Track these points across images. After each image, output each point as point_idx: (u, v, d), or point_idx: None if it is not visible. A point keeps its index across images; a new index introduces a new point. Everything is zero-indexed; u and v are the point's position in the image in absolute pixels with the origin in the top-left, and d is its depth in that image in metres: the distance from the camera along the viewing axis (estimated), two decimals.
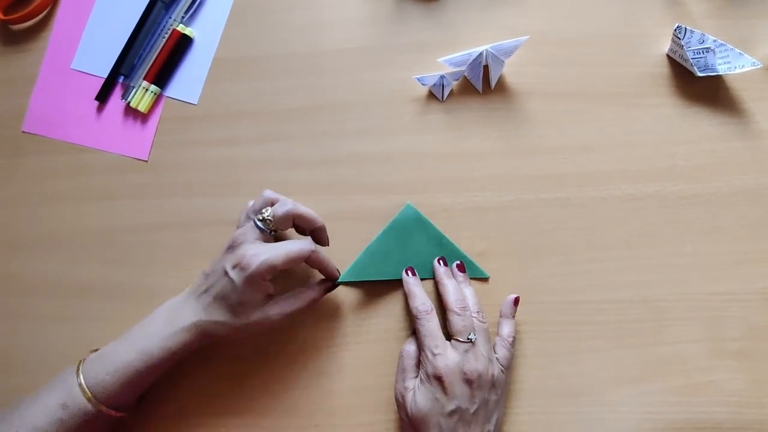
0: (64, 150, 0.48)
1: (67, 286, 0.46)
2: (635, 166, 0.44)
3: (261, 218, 0.39)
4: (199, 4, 0.49)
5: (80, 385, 0.36)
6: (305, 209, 0.39)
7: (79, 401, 0.36)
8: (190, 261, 0.45)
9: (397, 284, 0.43)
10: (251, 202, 0.41)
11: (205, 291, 0.38)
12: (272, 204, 0.40)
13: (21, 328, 0.45)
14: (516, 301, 0.41)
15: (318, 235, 0.41)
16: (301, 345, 0.43)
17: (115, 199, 0.47)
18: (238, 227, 0.40)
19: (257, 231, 0.38)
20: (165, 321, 0.38)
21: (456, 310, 0.38)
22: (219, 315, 0.37)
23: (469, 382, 0.36)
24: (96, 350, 0.39)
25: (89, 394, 0.36)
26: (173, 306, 0.39)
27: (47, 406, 0.36)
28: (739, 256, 0.42)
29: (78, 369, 0.37)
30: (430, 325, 0.38)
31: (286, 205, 0.39)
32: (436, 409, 0.36)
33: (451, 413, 0.35)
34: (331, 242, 0.41)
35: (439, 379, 0.36)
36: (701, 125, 0.44)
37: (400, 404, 0.38)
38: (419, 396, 0.36)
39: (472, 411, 0.36)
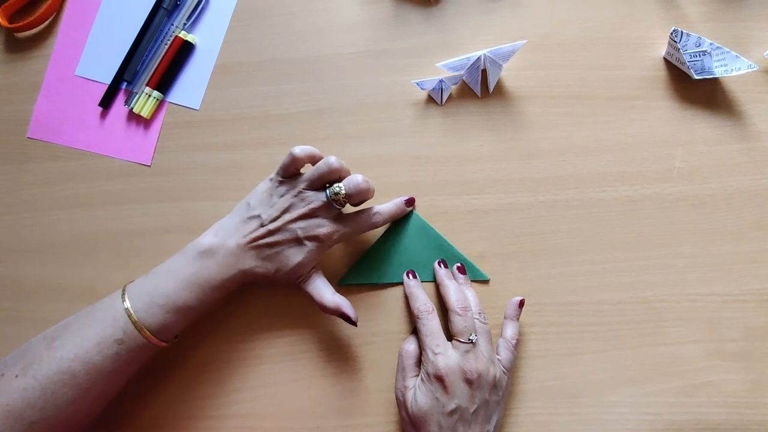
0: (69, 155, 0.49)
1: (73, 290, 0.46)
2: (633, 168, 0.44)
3: (335, 197, 0.39)
4: (201, 10, 0.49)
5: (132, 320, 0.37)
6: (371, 185, 0.40)
7: (134, 335, 0.37)
8: None
9: (398, 287, 0.44)
10: (297, 150, 0.39)
11: (268, 246, 0.39)
12: (340, 177, 0.40)
13: (27, 332, 0.46)
14: (521, 303, 0.42)
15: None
16: (302, 347, 0.43)
17: (119, 204, 0.47)
18: (283, 167, 0.40)
19: (332, 208, 0.40)
20: (210, 256, 0.39)
21: (457, 310, 0.39)
22: (270, 267, 0.39)
23: (469, 382, 0.36)
24: (131, 282, 0.39)
25: (141, 326, 0.37)
26: (227, 246, 0.39)
27: (101, 343, 0.36)
28: (737, 257, 0.43)
29: (123, 295, 0.38)
30: (432, 324, 0.39)
31: (359, 184, 0.39)
32: (436, 408, 0.36)
33: (452, 412, 0.36)
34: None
35: (439, 379, 0.36)
36: (698, 127, 0.45)
37: (401, 403, 0.38)
38: (420, 395, 0.37)
39: (472, 411, 0.36)
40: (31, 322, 0.46)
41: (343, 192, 0.39)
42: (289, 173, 0.40)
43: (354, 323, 0.40)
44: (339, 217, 0.40)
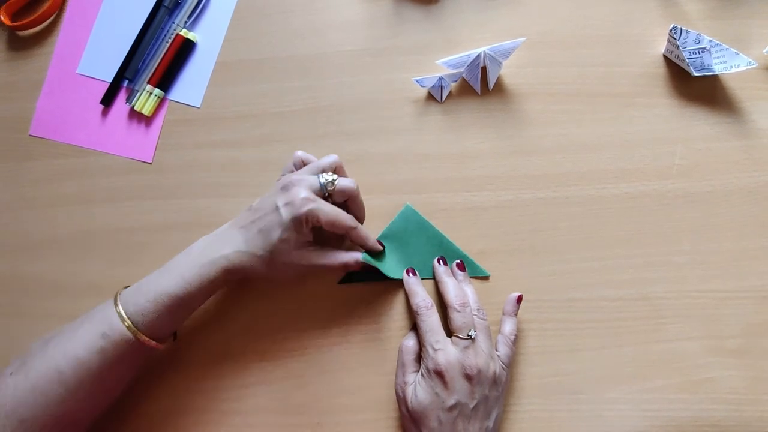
0: (70, 153, 0.49)
1: (75, 287, 0.46)
2: (633, 165, 0.44)
3: (325, 180, 0.39)
4: (202, 9, 0.50)
5: (119, 314, 0.36)
6: (360, 200, 0.41)
7: (119, 329, 0.36)
8: None
9: (398, 284, 0.44)
10: (299, 153, 0.42)
11: (252, 222, 0.38)
12: (335, 171, 0.40)
13: (28, 329, 0.46)
14: (519, 299, 0.42)
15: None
16: (303, 343, 0.44)
17: (121, 201, 0.47)
18: (285, 173, 0.41)
19: (316, 185, 0.39)
20: (204, 249, 0.39)
21: (456, 306, 0.39)
22: (258, 248, 0.38)
23: (468, 377, 0.36)
24: (128, 287, 0.39)
25: (129, 322, 0.36)
26: (214, 236, 0.40)
27: (87, 337, 0.36)
28: (737, 254, 0.43)
29: (116, 299, 0.37)
30: (431, 320, 0.39)
31: (352, 183, 0.40)
32: (436, 404, 0.36)
33: (451, 408, 0.36)
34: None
35: (439, 374, 0.36)
36: (698, 124, 0.45)
37: (401, 398, 0.39)
38: (420, 390, 0.37)
39: (471, 406, 0.36)
40: (33, 318, 0.46)
41: (334, 180, 0.39)
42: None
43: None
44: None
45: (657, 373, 0.41)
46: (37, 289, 0.47)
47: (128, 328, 0.36)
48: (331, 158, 0.41)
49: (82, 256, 0.47)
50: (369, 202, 0.45)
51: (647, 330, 0.42)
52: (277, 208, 0.38)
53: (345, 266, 0.40)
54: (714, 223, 0.43)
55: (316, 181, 0.39)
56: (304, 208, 0.37)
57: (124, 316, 0.36)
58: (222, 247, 0.38)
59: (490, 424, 0.37)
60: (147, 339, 0.37)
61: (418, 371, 0.39)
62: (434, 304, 0.40)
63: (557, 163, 0.45)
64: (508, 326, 0.41)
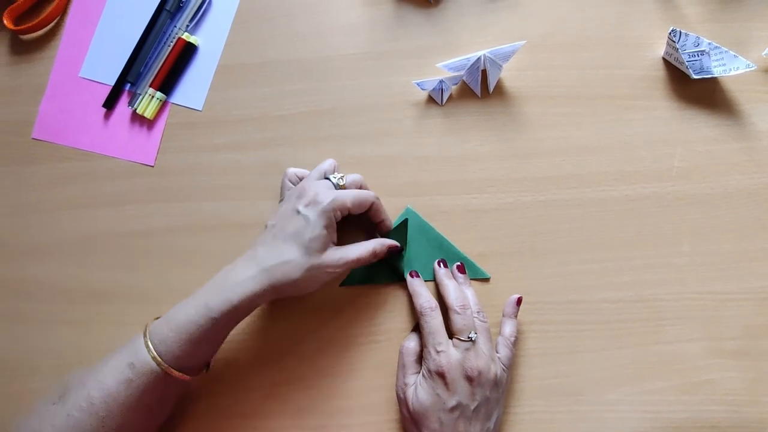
0: (73, 156, 0.49)
1: (77, 290, 0.47)
2: (632, 167, 0.45)
3: (336, 179, 0.41)
4: (204, 12, 0.50)
5: (146, 344, 0.36)
6: (367, 187, 0.43)
7: (145, 360, 0.35)
8: (197, 264, 0.46)
9: (398, 286, 0.44)
10: (291, 170, 0.43)
11: (274, 236, 0.38)
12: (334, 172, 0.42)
13: (32, 332, 0.46)
14: (519, 301, 0.42)
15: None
16: (307, 347, 0.44)
17: (123, 204, 0.48)
18: (285, 189, 0.43)
19: (329, 184, 0.40)
20: (228, 273, 0.37)
21: (457, 309, 0.39)
22: (290, 254, 0.37)
23: (470, 379, 0.36)
24: (159, 317, 0.38)
25: (154, 353, 0.35)
26: (237, 262, 0.39)
27: (115, 366, 0.36)
28: (736, 256, 0.43)
29: (145, 329, 0.37)
30: (435, 322, 0.39)
31: (358, 175, 0.42)
32: (437, 405, 0.36)
33: (453, 409, 0.36)
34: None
35: (441, 375, 0.37)
36: (697, 127, 0.45)
37: (402, 400, 0.39)
38: (421, 391, 0.37)
39: (473, 408, 0.36)
40: (36, 322, 0.46)
41: (342, 176, 0.41)
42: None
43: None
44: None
45: (657, 375, 0.42)
46: (40, 293, 0.47)
47: (153, 359, 0.35)
48: (328, 162, 0.43)
49: (84, 259, 0.47)
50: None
51: (647, 332, 0.42)
52: (298, 212, 0.38)
53: (374, 254, 0.40)
54: (714, 224, 0.43)
55: (327, 181, 0.40)
56: (328, 200, 0.38)
57: (151, 346, 0.36)
58: (246, 270, 0.37)
59: (491, 425, 0.37)
60: (173, 371, 0.36)
61: (419, 373, 0.39)
62: (438, 305, 0.40)
63: (557, 165, 0.45)
64: (509, 328, 0.41)
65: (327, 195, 0.38)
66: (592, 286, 0.43)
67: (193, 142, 0.48)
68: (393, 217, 0.44)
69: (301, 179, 0.43)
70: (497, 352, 0.40)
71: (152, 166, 0.48)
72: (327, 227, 0.38)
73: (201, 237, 0.46)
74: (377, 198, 0.41)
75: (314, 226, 0.37)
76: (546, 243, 0.44)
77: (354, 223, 0.43)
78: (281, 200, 0.43)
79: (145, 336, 0.36)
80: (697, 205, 0.44)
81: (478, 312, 0.40)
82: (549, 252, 0.44)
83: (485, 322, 0.40)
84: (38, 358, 0.46)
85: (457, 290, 0.40)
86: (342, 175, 0.42)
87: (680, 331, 0.42)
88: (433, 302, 0.40)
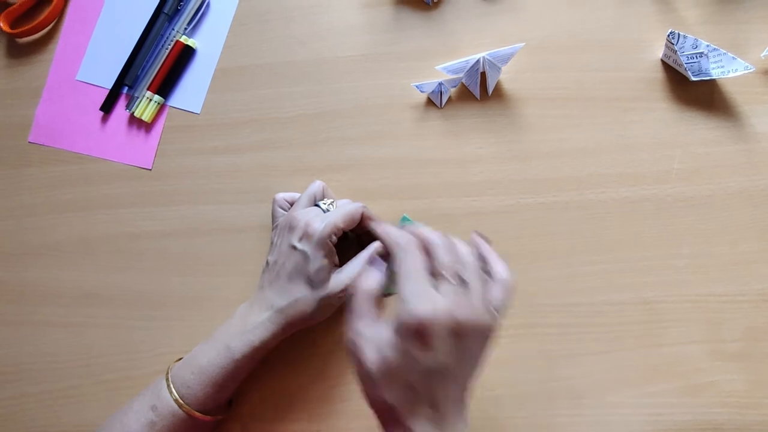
0: (70, 160, 0.49)
1: (73, 294, 0.46)
2: (632, 169, 0.44)
3: (325, 205, 0.40)
4: (202, 15, 0.50)
5: (168, 387, 0.36)
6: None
7: (167, 403, 0.36)
8: (195, 268, 0.46)
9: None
10: (280, 195, 0.43)
11: (276, 275, 0.38)
12: (323, 196, 0.42)
13: (28, 336, 0.46)
14: (484, 239, 0.35)
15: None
16: (304, 351, 0.43)
17: (120, 208, 0.47)
18: (277, 216, 0.42)
19: (318, 210, 0.39)
20: (242, 317, 0.38)
21: (438, 242, 0.30)
22: (298, 291, 0.37)
23: (456, 334, 0.28)
24: (180, 359, 0.39)
25: (176, 395, 0.36)
26: (249, 304, 0.40)
27: (139, 410, 0.36)
28: (736, 258, 0.43)
29: (167, 373, 0.38)
30: (414, 259, 0.29)
31: (349, 201, 0.41)
32: (408, 366, 0.27)
33: (429, 371, 0.27)
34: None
35: (419, 331, 0.27)
36: (696, 129, 0.45)
37: (355, 357, 0.29)
38: (386, 350, 0.28)
39: (454, 367, 0.28)
40: (32, 325, 0.46)
41: (332, 202, 0.40)
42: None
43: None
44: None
45: (658, 377, 0.41)
46: (37, 296, 0.47)
47: (175, 401, 0.36)
48: (316, 184, 0.42)
49: (80, 263, 0.47)
50: (369, 208, 0.45)
51: (648, 334, 0.42)
52: (294, 248, 0.38)
53: (372, 263, 0.39)
54: (713, 226, 0.43)
55: (316, 208, 0.40)
56: (320, 229, 0.37)
57: (172, 389, 0.36)
58: (262, 312, 0.38)
59: (472, 382, 0.30)
60: (195, 413, 0.36)
61: (379, 321, 0.30)
62: (417, 243, 0.31)
63: (557, 167, 0.45)
64: (500, 265, 0.32)
65: (318, 224, 0.37)
66: (593, 288, 0.43)
67: (191, 145, 0.48)
68: (393, 220, 0.44)
69: (291, 204, 0.42)
70: (490, 296, 0.30)
71: (150, 170, 0.48)
72: (326, 255, 0.38)
73: (199, 240, 0.46)
74: (365, 207, 0.40)
75: (314, 258, 0.37)
76: (546, 245, 0.44)
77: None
78: (273, 226, 0.42)
79: (167, 379, 0.37)
80: (697, 207, 0.44)
81: (470, 254, 0.32)
82: (549, 254, 0.44)
83: (478, 261, 0.32)
84: (32, 361, 0.45)
85: (444, 237, 0.32)
86: (332, 200, 0.41)
87: (681, 334, 0.42)
88: (410, 237, 0.30)
